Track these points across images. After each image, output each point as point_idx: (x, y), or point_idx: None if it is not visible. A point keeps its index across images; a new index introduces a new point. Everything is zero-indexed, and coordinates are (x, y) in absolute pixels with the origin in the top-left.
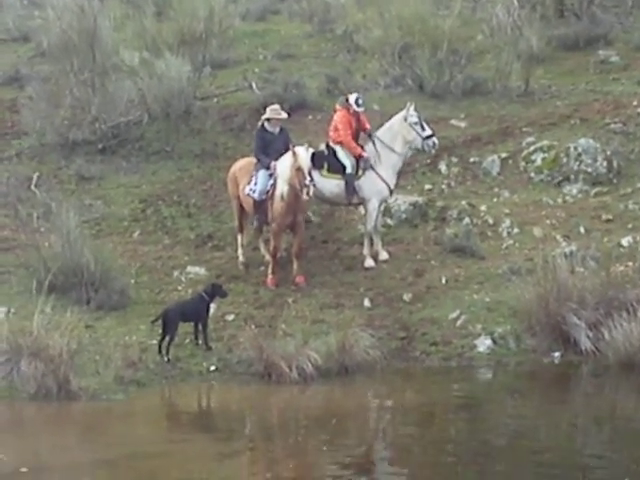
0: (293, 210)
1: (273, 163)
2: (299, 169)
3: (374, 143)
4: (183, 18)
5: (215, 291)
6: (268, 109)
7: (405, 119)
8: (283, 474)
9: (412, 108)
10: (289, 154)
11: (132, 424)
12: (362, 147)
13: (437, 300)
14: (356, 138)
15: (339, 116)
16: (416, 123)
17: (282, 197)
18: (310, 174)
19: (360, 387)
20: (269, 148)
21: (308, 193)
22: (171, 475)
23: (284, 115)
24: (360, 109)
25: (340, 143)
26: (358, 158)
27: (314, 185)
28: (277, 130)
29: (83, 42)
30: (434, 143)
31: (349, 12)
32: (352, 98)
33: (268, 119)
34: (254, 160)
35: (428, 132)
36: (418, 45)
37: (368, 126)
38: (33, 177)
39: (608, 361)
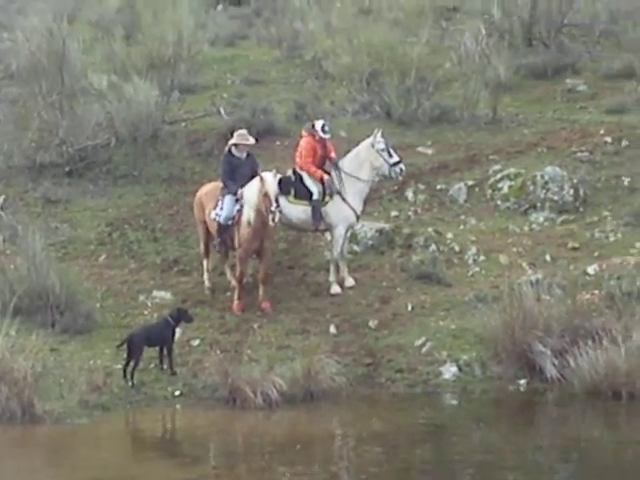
0: (260, 236)
1: (240, 189)
2: (266, 195)
3: (339, 171)
4: (152, 42)
5: (181, 316)
6: (235, 134)
7: (372, 145)
8: None
9: (379, 135)
10: (257, 180)
11: (97, 448)
12: (328, 173)
13: (403, 327)
14: (322, 164)
15: (304, 142)
16: (383, 150)
17: (249, 223)
18: (277, 200)
19: (325, 413)
20: (236, 173)
21: (274, 219)
22: None
23: (252, 141)
24: (326, 136)
25: (304, 169)
26: (322, 182)
27: (280, 211)
28: (244, 155)
29: (52, 65)
30: (401, 169)
31: (318, 38)
32: (318, 125)
33: (235, 144)
34: (220, 185)
35: (395, 159)
36: (386, 72)
37: (333, 155)
38: (0, 199)
39: (574, 389)
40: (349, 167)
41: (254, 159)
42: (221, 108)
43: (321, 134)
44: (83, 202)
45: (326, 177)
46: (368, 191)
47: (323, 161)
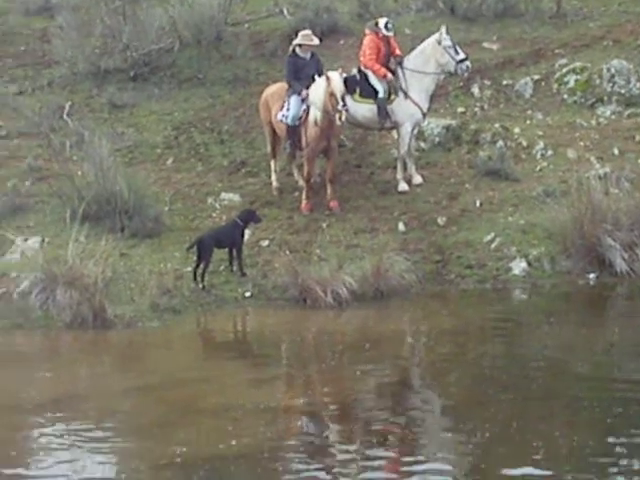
0: (327, 135)
1: (305, 89)
2: (332, 94)
3: (404, 68)
4: None
5: (249, 217)
6: (300, 34)
7: (439, 42)
8: (317, 399)
9: (445, 31)
10: (322, 79)
11: (168, 351)
12: (392, 71)
13: (472, 223)
14: (386, 62)
15: (367, 40)
16: (450, 46)
17: (315, 122)
18: (343, 99)
19: (395, 311)
20: (301, 74)
21: (341, 118)
22: (208, 401)
23: (316, 41)
24: (389, 33)
25: (368, 67)
26: (386, 80)
27: (347, 110)
28: (309, 56)
29: None
30: (467, 67)
31: None
32: (381, 22)
33: (300, 45)
34: (286, 85)
35: (462, 56)
36: None
37: (398, 51)
38: (65, 106)
39: None
40: (414, 63)
41: (318, 59)
42: (284, 8)
43: (384, 32)
44: (148, 106)
45: (390, 75)
46: (434, 88)
47: (387, 59)
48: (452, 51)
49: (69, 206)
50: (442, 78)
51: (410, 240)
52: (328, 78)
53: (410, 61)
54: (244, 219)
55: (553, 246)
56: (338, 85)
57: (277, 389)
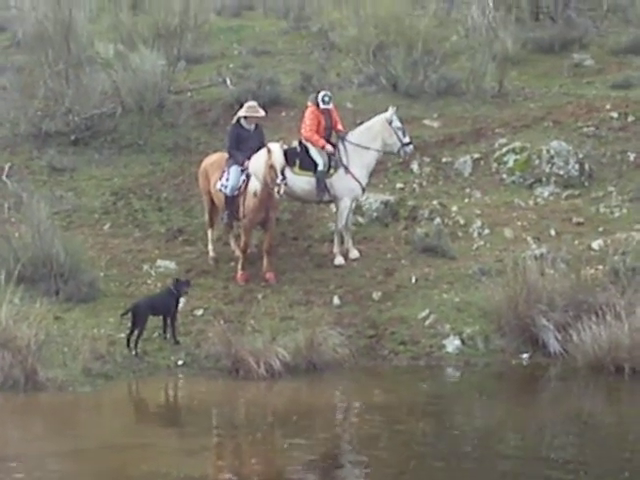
0: (265, 207)
1: (246, 160)
2: (272, 167)
3: (347, 142)
4: (158, 12)
5: (179, 286)
6: (245, 106)
7: (389, 122)
8: (245, 471)
9: (394, 111)
10: (263, 151)
11: (100, 416)
12: (333, 145)
13: (407, 299)
14: (329, 135)
15: (308, 112)
16: (399, 128)
17: (255, 194)
18: (283, 172)
19: (328, 385)
20: (243, 145)
21: (279, 192)
22: (139, 468)
23: (262, 113)
24: (326, 106)
25: (308, 139)
26: (325, 152)
27: (286, 184)
28: (252, 127)
29: (58, 33)
30: (411, 150)
31: (325, 9)
32: (320, 95)
33: (245, 116)
34: (226, 155)
35: (408, 139)
36: (393, 44)
37: (340, 126)
38: (5, 167)
39: (576, 363)
40: (359, 139)
41: (262, 131)
42: (227, 78)
43: (321, 104)
44: (88, 171)
45: (330, 148)
46: (374, 164)
47: (329, 132)
48: (400, 133)
49: (4, 267)
50: (381, 155)
51: (345, 314)
52: (269, 150)
53: (355, 136)
54: (178, 288)
55: (487, 325)
56: (278, 158)
57: (206, 459)
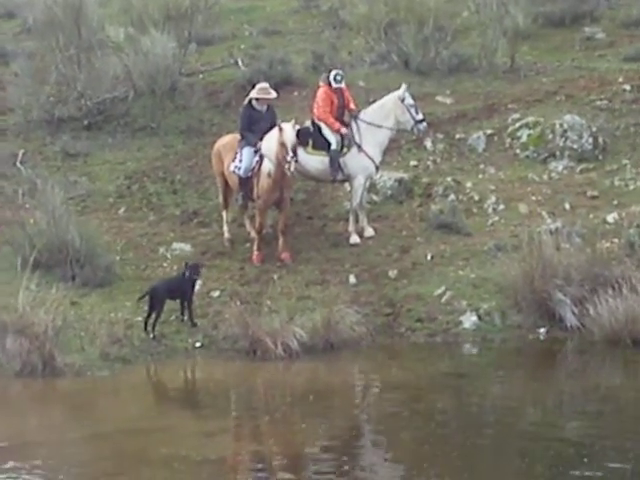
0: (279, 187)
1: (259, 141)
2: (283, 144)
3: (359, 121)
4: None
5: (191, 270)
6: (257, 87)
7: (402, 100)
8: (264, 452)
9: (406, 88)
10: (275, 130)
11: (118, 401)
12: (346, 124)
13: (422, 276)
14: (341, 114)
15: (320, 92)
16: (412, 105)
17: (269, 174)
18: (294, 150)
19: (346, 363)
20: (255, 126)
21: (290, 168)
22: (159, 452)
23: (273, 94)
24: (338, 85)
25: (322, 120)
26: (339, 133)
27: (297, 161)
28: (264, 109)
29: (68, 18)
30: (425, 127)
31: None
32: (331, 75)
33: (257, 98)
34: (238, 137)
35: (421, 116)
36: (404, 21)
37: (352, 105)
38: (18, 154)
39: (593, 337)
40: (372, 117)
41: (274, 112)
42: (239, 59)
43: (333, 83)
44: (102, 155)
45: (344, 130)
46: (387, 142)
47: (342, 111)
48: (413, 110)
49: (20, 254)
50: (394, 134)
51: (361, 293)
52: (281, 129)
53: (368, 114)
54: (191, 273)
55: (504, 300)
56: (289, 136)
57: (225, 442)
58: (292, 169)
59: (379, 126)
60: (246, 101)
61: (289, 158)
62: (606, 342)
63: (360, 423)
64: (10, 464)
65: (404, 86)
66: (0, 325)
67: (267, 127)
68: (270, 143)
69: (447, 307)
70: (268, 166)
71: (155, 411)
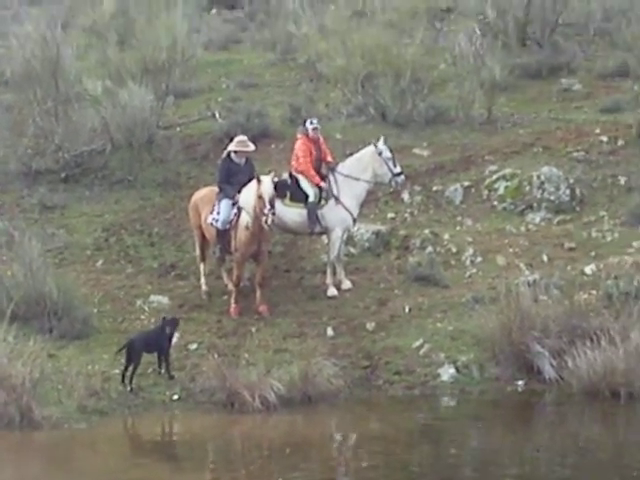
0: (257, 239)
1: (237, 195)
2: (260, 197)
3: (337, 173)
4: (146, 47)
5: (167, 324)
6: (235, 140)
7: (380, 153)
8: None
9: (383, 142)
10: (253, 182)
11: (95, 453)
12: (323, 177)
13: (400, 329)
14: (319, 166)
15: (299, 144)
16: (389, 158)
17: (247, 227)
18: (272, 202)
19: (323, 416)
20: (233, 178)
21: (267, 221)
22: None
23: (252, 147)
24: (313, 126)
25: (301, 172)
26: (319, 187)
27: (274, 213)
28: (243, 161)
29: (46, 71)
30: (402, 180)
31: (312, 41)
32: (307, 123)
33: (235, 150)
34: (216, 189)
35: (398, 169)
36: (381, 74)
37: (330, 158)
38: None
39: (572, 389)
40: (350, 170)
41: (252, 165)
42: (216, 112)
43: (309, 126)
44: (79, 208)
45: (323, 184)
46: (365, 195)
47: (319, 163)
48: (391, 163)
49: None
50: (372, 186)
51: (339, 345)
52: (259, 181)
53: (345, 167)
54: (167, 327)
55: (482, 352)
56: (267, 188)
57: None
58: (269, 222)
59: (357, 179)
60: (224, 154)
61: (266, 211)
62: (584, 394)
63: (337, 476)
64: None
65: (382, 139)
66: None
67: (245, 180)
68: (248, 196)
69: (425, 359)
70: (246, 219)
71: (132, 463)
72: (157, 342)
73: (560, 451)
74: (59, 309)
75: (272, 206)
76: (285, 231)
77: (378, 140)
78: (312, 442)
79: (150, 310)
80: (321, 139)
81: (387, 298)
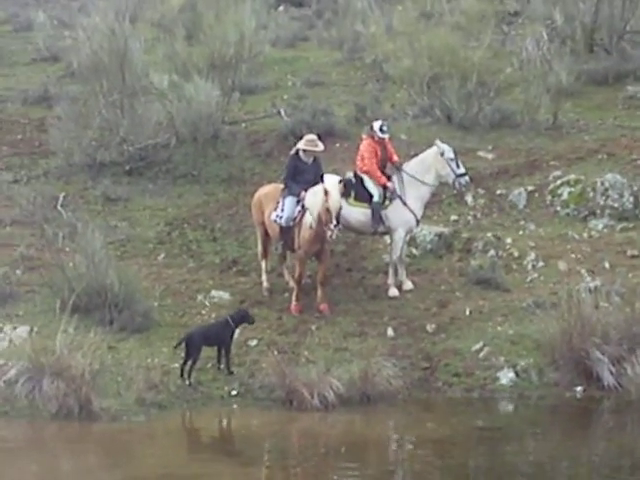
0: (321, 239)
1: (303, 193)
2: (328, 210)
3: (401, 174)
4: (213, 42)
5: (242, 317)
6: (305, 138)
7: (442, 154)
8: None
9: (440, 143)
10: (320, 189)
11: (153, 446)
12: (389, 177)
13: (460, 331)
14: (383, 166)
15: (365, 145)
16: (452, 159)
17: (311, 226)
18: (338, 217)
19: (381, 416)
20: (300, 176)
21: (332, 236)
22: None
23: (320, 147)
24: (384, 135)
25: (367, 172)
26: (384, 187)
27: (340, 229)
28: (311, 160)
29: (113, 63)
30: (466, 182)
31: (379, 41)
32: (376, 125)
33: (304, 150)
34: (280, 186)
35: (462, 170)
36: (447, 76)
37: (395, 157)
38: (59, 197)
39: (630, 397)
40: (414, 171)
41: (319, 164)
42: (281, 109)
43: (379, 134)
44: (142, 201)
45: (389, 184)
46: (429, 196)
47: (384, 163)
48: (454, 164)
49: (59, 297)
50: (435, 188)
51: (399, 346)
52: (327, 192)
53: (410, 168)
54: (237, 319)
55: (541, 357)
56: (335, 202)
57: None
58: (334, 237)
59: (421, 182)
60: (293, 151)
61: (332, 226)
62: None
63: (392, 477)
64: None
65: (437, 142)
66: (37, 367)
67: (312, 179)
68: (314, 201)
69: (484, 363)
70: (310, 219)
71: (189, 458)
72: (218, 336)
73: (617, 460)
74: (120, 301)
75: (338, 221)
76: (348, 230)
77: (436, 143)
78: (369, 442)
79: (211, 305)
80: (387, 139)
81: (448, 300)
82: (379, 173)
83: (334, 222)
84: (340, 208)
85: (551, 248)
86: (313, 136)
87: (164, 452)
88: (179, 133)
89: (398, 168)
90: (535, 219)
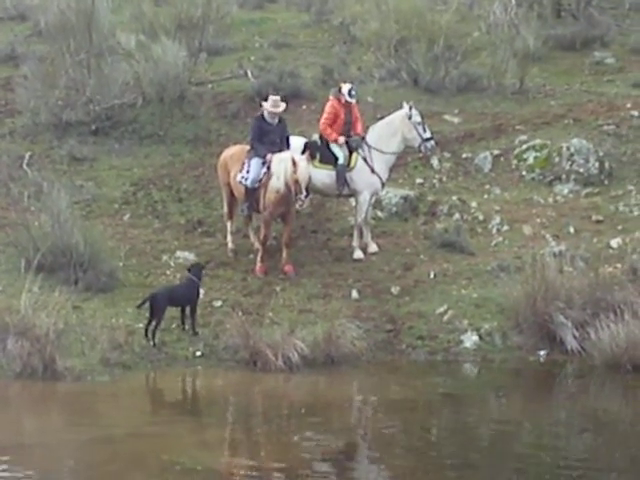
0: (286, 201)
1: (269, 155)
2: (297, 181)
3: (365, 143)
4: (181, 3)
5: (200, 270)
6: (270, 99)
7: (409, 117)
8: (260, 464)
9: (409, 106)
10: (288, 155)
11: (117, 406)
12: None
13: (425, 294)
14: (347, 130)
15: (328, 105)
16: (419, 123)
17: (277, 190)
18: (307, 188)
19: (345, 378)
20: (265, 138)
21: (301, 206)
22: (157, 458)
23: (282, 107)
24: (352, 100)
25: (321, 132)
26: (336, 144)
27: (309, 199)
28: (276, 121)
29: (80, 23)
30: (432, 146)
31: (347, 3)
32: (345, 88)
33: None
34: (245, 147)
35: (428, 134)
36: (414, 39)
37: (359, 128)
38: (25, 156)
39: (594, 361)
40: (379, 134)
41: (285, 126)
42: (248, 71)
43: (347, 97)
44: (108, 161)
45: (342, 140)
46: (394, 160)
47: (348, 127)
48: (420, 128)
49: (24, 256)
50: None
51: (363, 308)
52: (295, 163)
53: (375, 131)
54: (197, 274)
55: (505, 321)
56: (304, 173)
57: (223, 451)
58: (304, 206)
59: (387, 152)
60: (259, 113)
61: (302, 197)
62: (606, 367)
63: (355, 439)
64: (5, 465)
65: (406, 105)
66: (2, 326)
67: (277, 139)
68: (281, 167)
69: (448, 326)
70: (277, 183)
71: (153, 418)
72: (184, 296)
73: (579, 423)
74: (85, 261)
75: (308, 192)
76: (313, 192)
77: (404, 106)
78: (332, 403)
79: (176, 266)
80: (354, 103)
81: (413, 263)
82: (329, 130)
83: (304, 193)
84: (309, 180)
85: (516, 212)
86: (276, 96)
87: (128, 412)
88: (145, 93)
89: (363, 138)
90: (500, 183)
